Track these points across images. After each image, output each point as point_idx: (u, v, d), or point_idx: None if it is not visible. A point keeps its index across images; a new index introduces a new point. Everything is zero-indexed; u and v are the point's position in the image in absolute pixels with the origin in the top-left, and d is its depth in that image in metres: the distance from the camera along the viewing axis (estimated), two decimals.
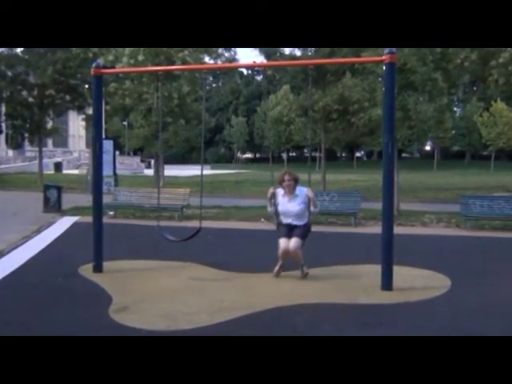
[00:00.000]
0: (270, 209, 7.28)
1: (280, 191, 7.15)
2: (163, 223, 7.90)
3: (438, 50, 13.95)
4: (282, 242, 7.05)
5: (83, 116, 30.15)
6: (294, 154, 74.25)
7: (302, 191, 7.10)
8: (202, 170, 7.69)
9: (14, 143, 44.80)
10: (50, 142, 56.42)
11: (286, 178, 7.03)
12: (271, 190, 7.14)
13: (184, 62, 17.73)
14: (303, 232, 7.10)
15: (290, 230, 7.09)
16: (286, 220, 7.17)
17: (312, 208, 7.07)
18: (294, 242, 6.97)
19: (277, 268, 7.22)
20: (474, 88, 57.96)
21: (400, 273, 7.16)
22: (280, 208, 7.17)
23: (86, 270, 7.60)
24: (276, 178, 7.35)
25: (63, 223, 12.83)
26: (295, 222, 7.09)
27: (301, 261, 7.15)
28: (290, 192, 7.04)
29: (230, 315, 5.57)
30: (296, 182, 7.10)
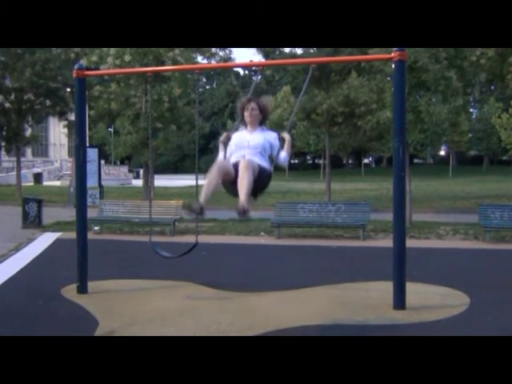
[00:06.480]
0: (220, 155, 5.94)
1: (238, 133, 5.87)
2: (154, 238, 7.90)
3: None
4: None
5: (65, 122, 30.17)
6: (296, 161, 74.37)
7: (271, 132, 5.88)
8: (196, 179, 7.71)
9: None
10: (28, 151, 56.40)
11: (251, 105, 5.69)
12: (225, 134, 5.95)
13: (175, 62, 17.82)
14: (261, 172, 5.42)
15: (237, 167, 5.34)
16: (236, 155, 5.61)
17: (283, 154, 5.71)
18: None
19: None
20: (492, 87, 58.09)
21: (413, 290, 7.16)
22: (233, 143, 5.75)
23: (70, 291, 7.58)
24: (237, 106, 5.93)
25: (44, 240, 12.81)
26: (251, 158, 5.48)
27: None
28: (253, 124, 5.74)
29: None
30: (264, 114, 5.79)
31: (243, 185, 5.20)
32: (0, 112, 25.40)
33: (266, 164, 5.60)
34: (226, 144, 5.88)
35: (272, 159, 5.76)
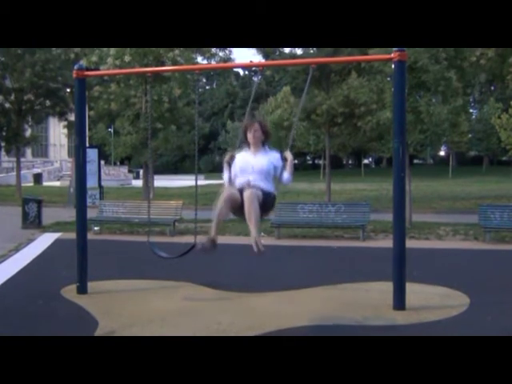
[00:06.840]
0: (225, 176, 6.05)
1: (241, 154, 5.99)
2: (153, 239, 7.90)
3: None
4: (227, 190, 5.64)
5: (65, 123, 30.20)
6: (296, 162, 74.43)
7: (273, 153, 5.95)
8: (196, 179, 7.70)
9: None
10: (28, 151, 56.41)
11: (254, 126, 5.80)
12: (229, 154, 6.05)
13: (175, 63, 17.83)
14: (265, 198, 5.58)
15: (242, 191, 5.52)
16: (241, 179, 5.73)
17: (286, 175, 5.80)
18: (249, 193, 5.39)
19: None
20: (492, 88, 58.17)
21: (413, 290, 7.15)
22: (237, 165, 5.86)
23: (69, 292, 7.58)
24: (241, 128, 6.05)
25: (44, 240, 12.81)
26: (256, 183, 5.61)
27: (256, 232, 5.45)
28: (256, 145, 5.84)
29: None
30: (266, 135, 5.91)
31: (251, 219, 5.35)
32: (0, 112, 25.40)
33: (270, 187, 5.74)
34: (230, 164, 6.00)
35: (275, 178, 5.88)
